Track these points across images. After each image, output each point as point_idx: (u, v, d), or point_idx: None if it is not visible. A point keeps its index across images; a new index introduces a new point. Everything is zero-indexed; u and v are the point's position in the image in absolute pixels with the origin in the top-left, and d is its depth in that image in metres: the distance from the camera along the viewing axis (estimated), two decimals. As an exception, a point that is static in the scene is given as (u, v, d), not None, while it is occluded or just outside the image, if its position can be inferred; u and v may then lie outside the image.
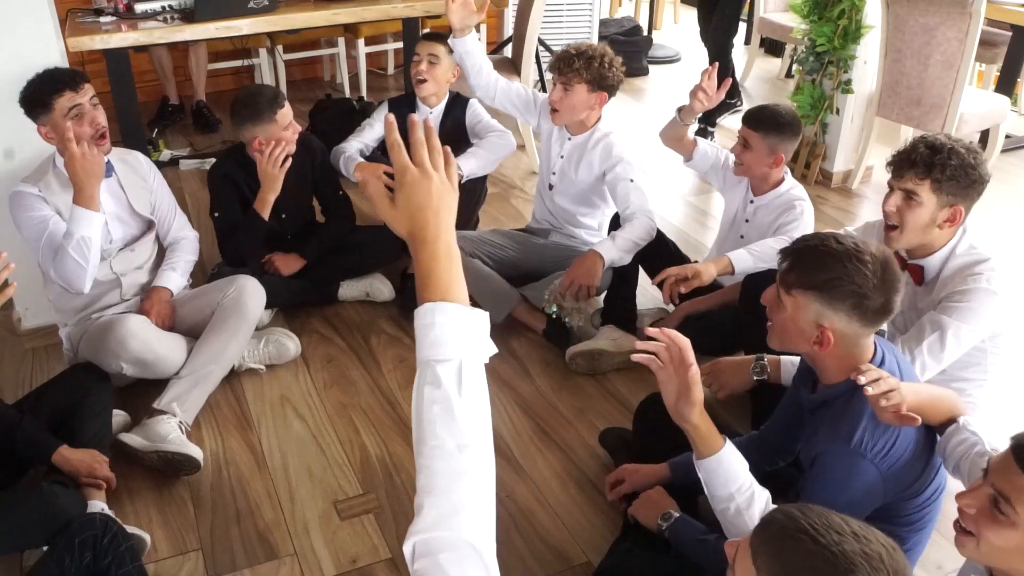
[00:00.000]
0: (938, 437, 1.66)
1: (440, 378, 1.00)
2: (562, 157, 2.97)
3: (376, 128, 3.33)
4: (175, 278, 2.68)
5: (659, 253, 2.86)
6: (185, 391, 2.42)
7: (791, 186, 2.66)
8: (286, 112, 2.82)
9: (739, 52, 6.14)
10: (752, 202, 2.70)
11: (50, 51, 2.68)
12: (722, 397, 2.27)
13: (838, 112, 3.99)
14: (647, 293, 2.95)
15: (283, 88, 5.26)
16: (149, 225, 2.65)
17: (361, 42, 5.16)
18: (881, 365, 1.60)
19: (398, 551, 2.10)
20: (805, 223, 2.58)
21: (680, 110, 2.78)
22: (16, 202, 2.38)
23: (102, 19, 3.69)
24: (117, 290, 2.57)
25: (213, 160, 4.36)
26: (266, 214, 2.81)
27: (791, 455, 1.95)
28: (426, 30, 4.48)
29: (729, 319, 2.52)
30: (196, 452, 2.30)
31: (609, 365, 2.73)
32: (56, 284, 2.44)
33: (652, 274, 2.90)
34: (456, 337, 1.01)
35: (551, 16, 5.44)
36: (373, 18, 4.18)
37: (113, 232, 2.53)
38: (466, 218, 3.30)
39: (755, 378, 2.16)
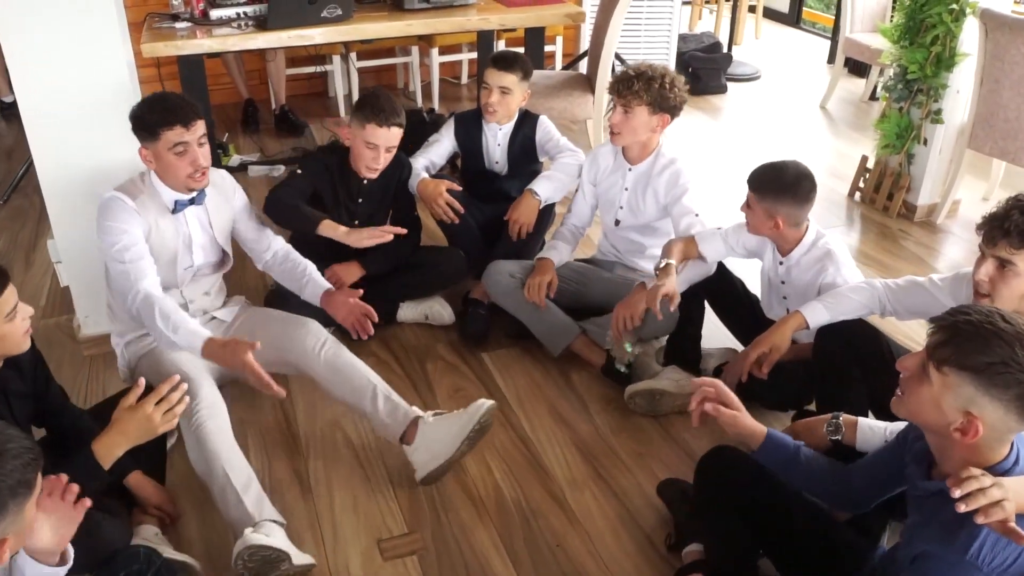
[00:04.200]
0: None
1: None
2: (627, 190, 2.86)
3: (444, 143, 3.27)
4: (318, 279, 2.67)
5: (725, 290, 2.74)
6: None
7: (816, 237, 2.47)
8: (395, 133, 2.80)
9: (822, 71, 5.94)
10: (782, 263, 2.53)
11: (116, 58, 2.67)
12: None
13: (926, 143, 3.78)
14: (715, 333, 2.82)
15: (355, 95, 5.27)
16: (225, 256, 2.59)
17: (435, 51, 5.12)
18: (1014, 467, 1.44)
19: (441, 598, 2.03)
20: (846, 272, 2.41)
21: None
22: (109, 207, 2.29)
23: (178, 25, 3.71)
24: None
25: (282, 167, 4.42)
26: (330, 233, 2.76)
27: (865, 508, 1.80)
28: (499, 45, 4.41)
29: (801, 371, 2.37)
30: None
31: (670, 407, 2.61)
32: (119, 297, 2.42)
33: (719, 312, 2.79)
34: None
35: (629, 31, 5.32)
36: (447, 30, 4.12)
37: (195, 259, 2.47)
38: (533, 243, 3.20)
39: (830, 438, 2.02)
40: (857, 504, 1.81)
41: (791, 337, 2.33)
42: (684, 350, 2.72)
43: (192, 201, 2.39)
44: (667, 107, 2.70)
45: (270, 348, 2.44)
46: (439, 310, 3.09)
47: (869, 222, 3.95)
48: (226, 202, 2.55)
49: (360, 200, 2.96)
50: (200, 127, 2.29)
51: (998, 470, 1.41)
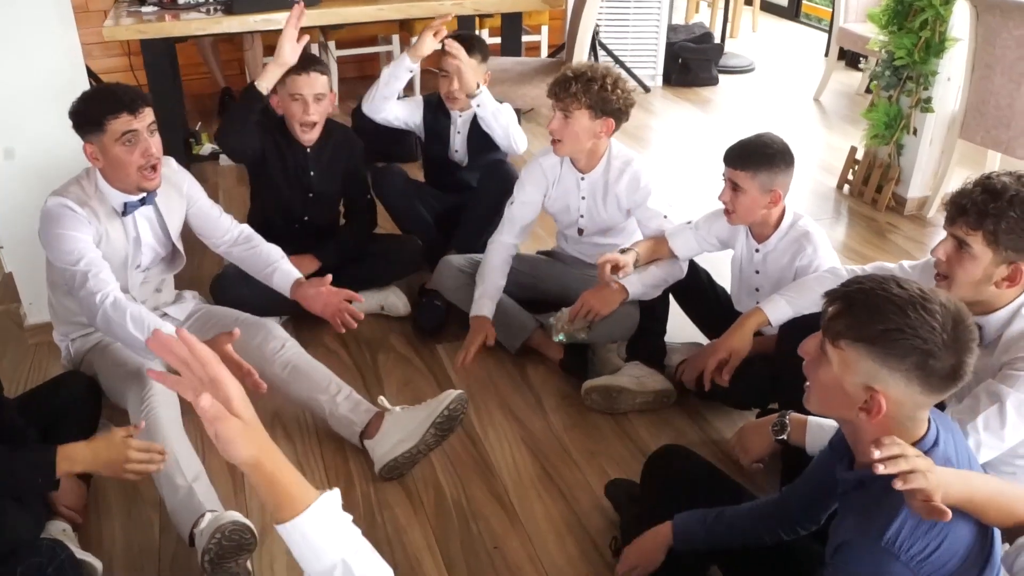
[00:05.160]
0: (1000, 545, 1.35)
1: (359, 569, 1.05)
2: (583, 198, 2.69)
3: (413, 106, 3.15)
4: (287, 268, 2.52)
5: (691, 283, 2.60)
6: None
7: (793, 219, 2.34)
8: (315, 78, 2.69)
9: (817, 63, 5.79)
10: (758, 251, 2.39)
11: (53, 45, 2.57)
12: (747, 464, 1.99)
13: (915, 133, 3.63)
14: (679, 327, 2.68)
15: (335, 85, 5.16)
16: (176, 252, 2.45)
17: (415, 39, 4.99)
18: (934, 447, 1.31)
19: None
20: (823, 254, 2.27)
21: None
22: (58, 217, 2.13)
23: (144, 9, 3.61)
24: None
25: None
26: (264, 86, 2.57)
27: (816, 524, 1.67)
28: (483, 34, 4.29)
29: (765, 368, 2.23)
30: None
31: (629, 405, 2.47)
32: (64, 299, 2.30)
33: (684, 305, 2.66)
34: (342, 529, 1.08)
35: (616, 22, 5.20)
36: (420, 15, 3.98)
37: (144, 259, 2.35)
38: (478, 233, 3.05)
39: (775, 438, 1.88)
40: (807, 523, 1.66)
41: (752, 335, 2.19)
42: (647, 345, 2.58)
43: (143, 202, 2.26)
44: (610, 110, 2.47)
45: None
46: (394, 301, 2.97)
47: (856, 215, 3.80)
48: (178, 194, 2.42)
49: (312, 173, 2.85)
50: (148, 115, 2.15)
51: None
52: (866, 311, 1.24)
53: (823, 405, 1.35)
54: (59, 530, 1.99)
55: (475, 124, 3.08)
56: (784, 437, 1.84)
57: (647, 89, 5.33)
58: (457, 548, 2.03)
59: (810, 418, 1.81)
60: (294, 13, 2.51)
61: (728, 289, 2.63)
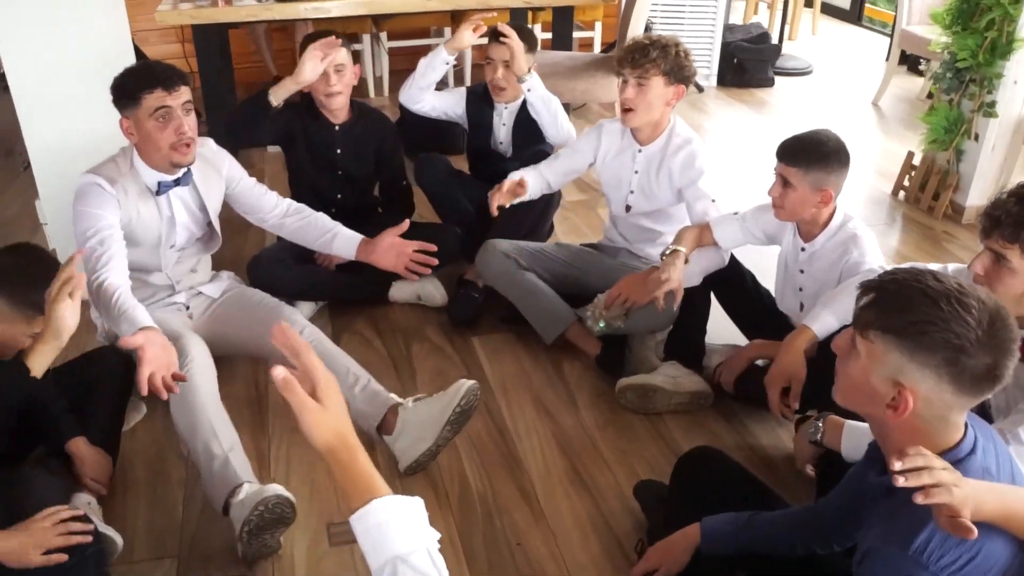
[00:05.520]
0: None
1: (417, 567, 1.02)
2: (637, 172, 2.65)
3: (455, 97, 3.14)
4: (348, 232, 2.52)
5: (734, 282, 2.53)
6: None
7: (842, 220, 2.25)
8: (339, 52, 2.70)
9: (877, 68, 5.63)
10: (804, 250, 2.30)
11: (103, 28, 2.61)
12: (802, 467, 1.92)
13: (977, 138, 3.49)
14: (720, 328, 2.60)
15: (385, 76, 5.16)
16: (213, 233, 2.46)
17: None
18: (970, 455, 1.23)
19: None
20: (870, 258, 2.18)
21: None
22: (86, 193, 2.14)
23: (200, -3, 3.65)
24: (169, 292, 2.43)
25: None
26: (276, 99, 2.61)
27: (851, 540, 1.59)
28: (535, 29, 4.25)
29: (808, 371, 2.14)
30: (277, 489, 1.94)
31: (664, 405, 2.40)
32: None
33: (726, 305, 2.58)
34: (414, 525, 1.06)
35: (671, 20, 5.11)
36: (472, 6, 3.96)
37: (179, 238, 2.35)
38: (533, 226, 3.03)
39: (809, 440, 1.80)
40: (841, 537, 1.58)
41: (803, 353, 2.11)
42: (686, 345, 2.51)
43: (177, 182, 2.27)
44: (682, 77, 2.51)
45: (247, 334, 2.35)
46: (431, 291, 2.94)
47: (911, 223, 3.66)
48: (216, 175, 2.42)
49: (339, 151, 2.86)
50: (184, 93, 2.15)
51: (949, 458, 1.21)
52: (897, 301, 1.18)
53: (848, 398, 1.29)
54: (84, 503, 1.99)
55: (520, 116, 3.05)
56: (818, 439, 1.76)
57: (701, 89, 5.24)
58: (479, 542, 1.99)
59: (848, 422, 1.73)
60: (328, 41, 2.57)
61: (772, 290, 2.54)
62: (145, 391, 1.79)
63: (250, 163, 4.22)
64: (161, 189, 2.24)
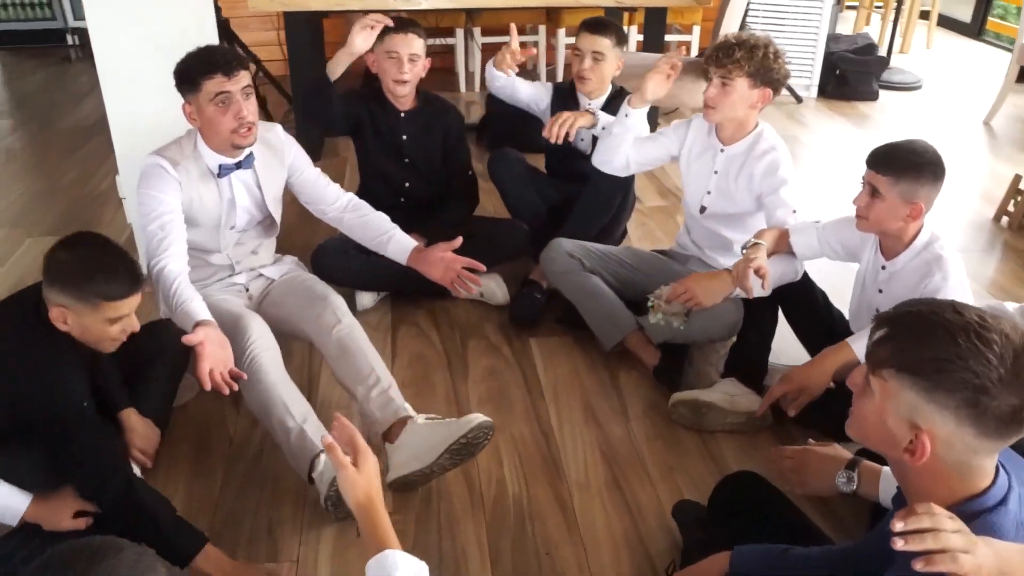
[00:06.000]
0: None
1: None
2: (716, 172, 2.55)
3: (542, 90, 3.10)
4: (403, 236, 2.55)
5: (804, 300, 2.40)
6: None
7: (929, 240, 2.08)
8: (412, 40, 2.73)
9: (995, 85, 5.30)
10: (884, 268, 2.15)
11: (186, 7, 2.65)
12: (800, 493, 1.81)
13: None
14: (787, 347, 2.47)
15: (477, 72, 5.16)
16: (272, 221, 2.49)
17: (562, 32, 4.94)
18: (1000, 505, 1.10)
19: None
20: (953, 285, 1.99)
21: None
22: (149, 176, 2.19)
23: (295, -16, 3.71)
24: (229, 273, 2.47)
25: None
26: (333, 73, 2.64)
27: None
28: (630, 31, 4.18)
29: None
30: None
31: (718, 423, 2.29)
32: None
33: (794, 324, 2.45)
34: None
35: (771, 26, 4.94)
36: (570, 4, 3.90)
37: (239, 220, 2.39)
38: (604, 228, 2.96)
39: (840, 491, 1.68)
40: None
41: (831, 372, 1.99)
42: (748, 362, 2.40)
43: (239, 165, 2.30)
44: (769, 80, 2.39)
45: (295, 318, 2.37)
46: (493, 288, 2.90)
47: (1012, 251, 3.42)
48: (279, 161, 2.44)
49: (404, 137, 2.87)
50: (243, 78, 2.18)
51: (974, 507, 1.09)
52: (913, 337, 1.08)
53: (864, 437, 1.20)
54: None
55: (606, 110, 2.98)
56: (850, 491, 1.65)
57: (799, 99, 5.04)
58: (508, 546, 1.94)
59: (885, 468, 1.61)
60: (378, 17, 2.57)
61: (845, 312, 2.40)
62: (208, 387, 1.82)
63: (335, 151, 4.29)
64: (222, 172, 2.27)
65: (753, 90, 2.40)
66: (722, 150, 2.53)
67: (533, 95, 3.08)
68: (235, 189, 2.34)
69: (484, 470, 2.17)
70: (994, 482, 1.12)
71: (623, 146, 2.66)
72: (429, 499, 2.08)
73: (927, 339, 1.06)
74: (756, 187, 2.49)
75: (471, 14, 4.90)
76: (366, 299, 2.85)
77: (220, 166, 2.27)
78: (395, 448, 2.08)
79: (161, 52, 2.65)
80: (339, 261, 2.77)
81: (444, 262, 2.47)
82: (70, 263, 1.72)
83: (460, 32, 4.98)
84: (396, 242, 2.53)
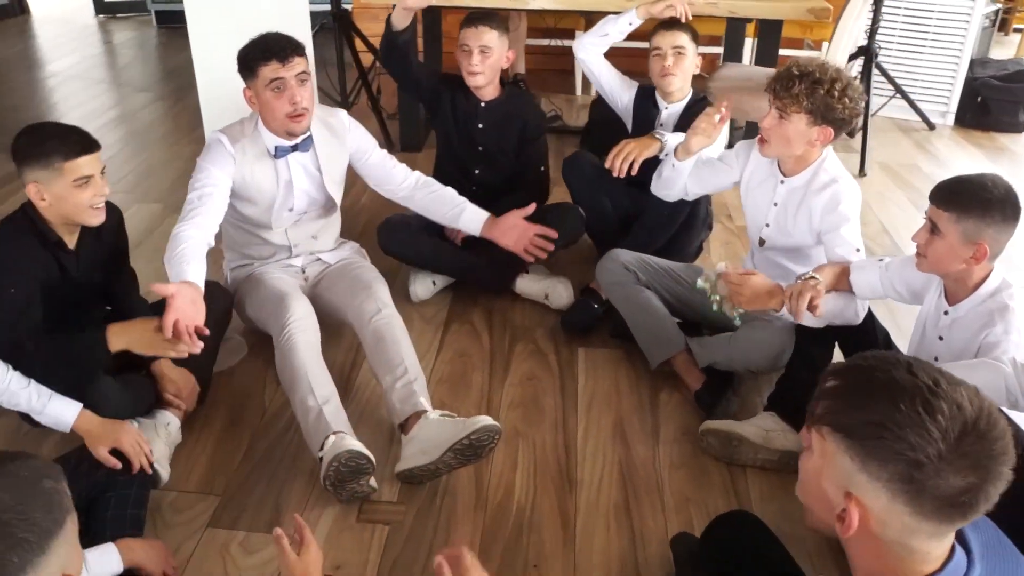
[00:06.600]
0: None
1: None
2: (776, 205, 2.41)
3: (626, 84, 3.06)
4: (476, 208, 2.64)
5: (864, 338, 2.23)
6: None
7: (998, 287, 1.88)
8: (483, 32, 2.76)
9: None
10: (946, 313, 1.95)
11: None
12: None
13: None
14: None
15: (579, 74, 5.11)
16: (332, 203, 2.57)
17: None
18: None
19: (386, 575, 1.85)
20: (1018, 340, 1.80)
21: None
22: (209, 148, 2.33)
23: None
24: (287, 255, 2.56)
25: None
26: (396, 24, 2.73)
27: None
28: (749, 44, 4.03)
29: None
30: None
31: (749, 458, 2.18)
32: (231, 228, 2.50)
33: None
34: None
35: (906, 45, 4.65)
36: (701, 12, 3.72)
37: (297, 202, 2.48)
38: (681, 244, 2.87)
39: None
40: None
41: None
42: (792, 398, 2.26)
43: (295, 148, 2.38)
44: (831, 119, 2.19)
45: (338, 302, 2.45)
46: (561, 292, 2.86)
47: None
48: (340, 145, 2.51)
49: (480, 126, 2.91)
50: (298, 64, 2.25)
51: None
52: (854, 395, 0.97)
53: (805, 497, 1.09)
54: (164, 423, 2.15)
55: (682, 121, 2.89)
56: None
57: (931, 126, 4.71)
58: (497, 552, 1.92)
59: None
60: None
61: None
62: (169, 334, 1.88)
63: (432, 142, 4.35)
64: (278, 153, 2.36)
65: (812, 128, 2.21)
66: (782, 181, 2.38)
67: (617, 86, 3.04)
68: (293, 171, 2.42)
69: (496, 473, 2.15)
70: (942, 567, 1.00)
71: (678, 182, 2.58)
72: (435, 494, 2.08)
73: (867, 400, 0.96)
74: (815, 223, 2.31)
75: (592, 18, 4.86)
76: (420, 290, 2.88)
77: (276, 147, 2.35)
78: (407, 440, 2.09)
79: (252, 21, 2.75)
80: (402, 236, 2.83)
81: (518, 229, 2.59)
82: (29, 139, 1.93)
83: (579, 34, 4.94)
84: (469, 214, 2.62)
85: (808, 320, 2.13)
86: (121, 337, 1.94)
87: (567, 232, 2.86)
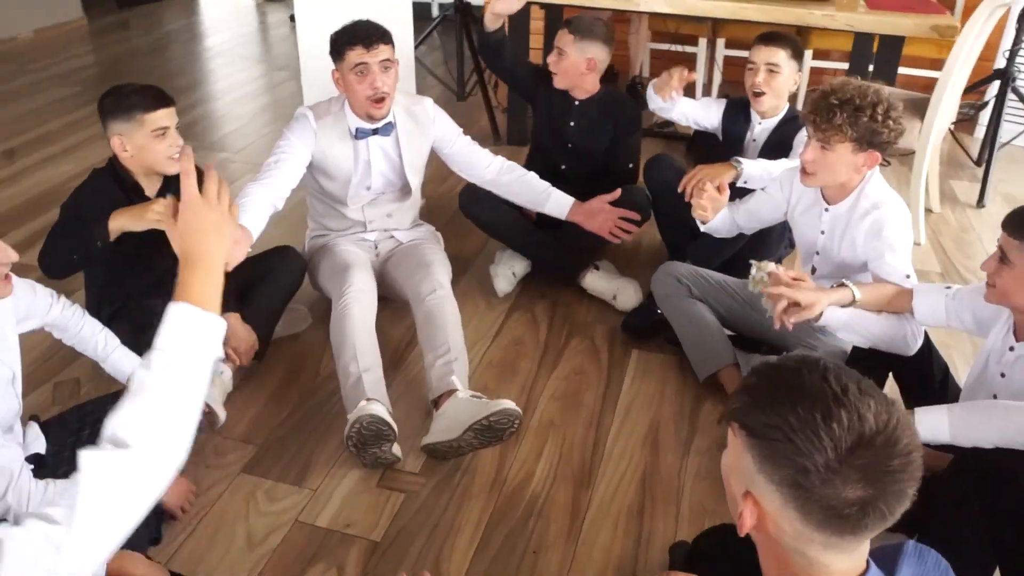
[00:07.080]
0: None
1: (151, 363, 1.05)
2: (823, 233, 2.33)
3: (710, 109, 3.02)
4: (561, 193, 2.75)
5: (920, 371, 2.13)
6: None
7: None
8: (566, 37, 2.84)
9: None
10: (1012, 349, 1.82)
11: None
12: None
13: None
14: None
15: (715, 84, 5.03)
16: (409, 188, 2.66)
17: (809, 53, 4.67)
18: None
19: (390, 539, 1.94)
20: None
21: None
22: (295, 121, 2.47)
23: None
24: (361, 229, 2.69)
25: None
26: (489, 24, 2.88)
27: None
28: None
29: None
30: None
31: (776, 478, 2.12)
32: (312, 199, 2.66)
33: (905, 395, 2.19)
34: (182, 333, 1.07)
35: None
36: (816, 24, 3.65)
37: (375, 183, 2.60)
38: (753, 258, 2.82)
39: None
40: None
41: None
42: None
43: (376, 131, 2.50)
44: (877, 143, 2.09)
45: (399, 278, 2.57)
46: (631, 293, 2.87)
47: None
48: (422, 133, 2.61)
49: (572, 123, 2.97)
50: (383, 52, 2.37)
51: None
52: (762, 394, 0.96)
53: (727, 494, 1.08)
54: (216, 372, 2.31)
55: (773, 136, 2.85)
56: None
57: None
58: (500, 535, 1.96)
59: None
60: None
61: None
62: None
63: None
64: (359, 135, 2.49)
65: (858, 155, 2.11)
66: (827, 208, 2.28)
67: (700, 115, 3.00)
68: (372, 153, 2.54)
69: (520, 460, 2.20)
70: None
71: (723, 227, 2.61)
72: (456, 471, 2.15)
73: (771, 401, 0.95)
74: (860, 251, 2.21)
75: (717, 25, 4.79)
76: (503, 284, 2.92)
77: (357, 129, 2.48)
78: (437, 416, 2.17)
79: (356, 9, 2.92)
80: (483, 200, 2.86)
81: (603, 212, 2.71)
82: (112, 98, 2.16)
83: (703, 42, 4.87)
84: (556, 198, 2.73)
85: (844, 335, 2.09)
86: (119, 219, 2.08)
87: (634, 210, 2.86)
